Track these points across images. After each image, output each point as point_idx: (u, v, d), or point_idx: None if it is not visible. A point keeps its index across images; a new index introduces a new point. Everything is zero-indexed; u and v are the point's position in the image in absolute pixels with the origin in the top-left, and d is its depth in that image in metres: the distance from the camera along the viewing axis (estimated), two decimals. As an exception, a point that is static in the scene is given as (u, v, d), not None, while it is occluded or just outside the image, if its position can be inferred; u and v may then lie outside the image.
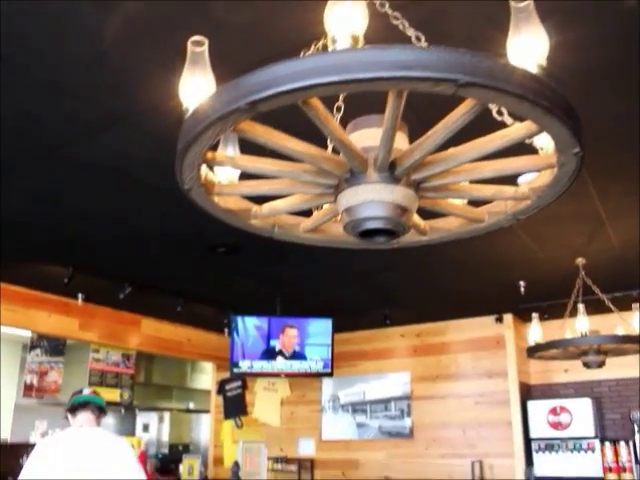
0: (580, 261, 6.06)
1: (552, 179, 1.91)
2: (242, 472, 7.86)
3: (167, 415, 12.87)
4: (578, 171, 1.81)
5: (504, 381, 8.51)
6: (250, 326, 7.36)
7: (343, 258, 6.13)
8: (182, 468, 9.23)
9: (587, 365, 5.85)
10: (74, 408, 3.71)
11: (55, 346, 9.75)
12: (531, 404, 8.38)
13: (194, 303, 7.85)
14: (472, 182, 2.18)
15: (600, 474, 7.78)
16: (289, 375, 7.62)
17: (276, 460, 9.78)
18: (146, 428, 13.00)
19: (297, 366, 7.45)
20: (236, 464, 7.83)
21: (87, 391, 3.91)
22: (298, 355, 7.43)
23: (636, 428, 7.86)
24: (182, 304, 7.61)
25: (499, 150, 1.81)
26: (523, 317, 8.73)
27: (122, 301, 7.62)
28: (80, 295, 7.57)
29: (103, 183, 4.50)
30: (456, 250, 5.59)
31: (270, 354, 7.35)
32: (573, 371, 8.66)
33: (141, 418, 13.12)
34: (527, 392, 8.78)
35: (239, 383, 10.63)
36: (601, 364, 5.85)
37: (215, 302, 7.90)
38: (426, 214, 2.34)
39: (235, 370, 7.33)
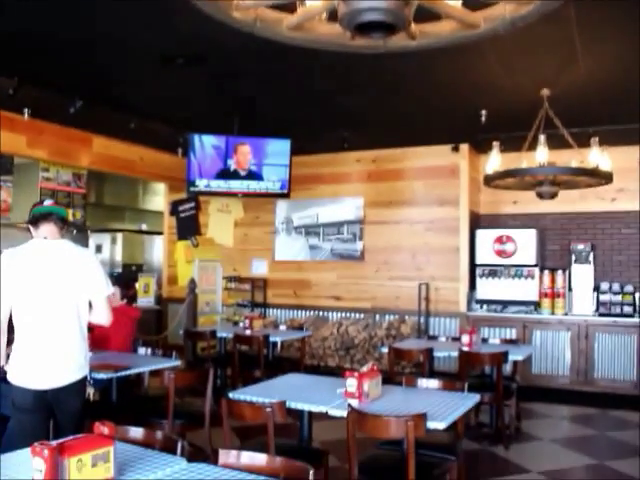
0: (545, 92, 5.97)
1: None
2: (198, 289, 8.06)
3: (120, 236, 12.90)
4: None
5: (455, 209, 8.73)
6: (207, 145, 7.20)
7: (304, 77, 5.92)
8: (137, 285, 9.39)
9: (540, 195, 5.99)
10: (36, 219, 3.52)
11: (2, 164, 9.41)
12: (479, 232, 8.67)
13: (148, 120, 7.57)
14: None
15: (536, 298, 8.29)
16: (246, 195, 7.60)
17: (230, 279, 10.07)
18: (99, 249, 13.06)
19: (254, 186, 7.42)
20: (192, 281, 8.01)
21: (49, 202, 3.73)
22: (255, 175, 7.37)
23: (573, 258, 8.28)
24: (136, 121, 7.34)
25: None
26: (479, 148, 8.80)
27: (72, 118, 7.27)
28: (26, 110, 7.19)
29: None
30: (421, 71, 5.43)
31: (227, 174, 7.27)
32: (521, 203, 8.95)
33: (94, 239, 13.13)
34: (476, 221, 9.06)
35: (192, 204, 10.64)
36: (554, 195, 6.00)
37: (171, 120, 7.62)
38: (418, 19, 2.19)
39: (192, 189, 7.26)
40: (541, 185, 5.81)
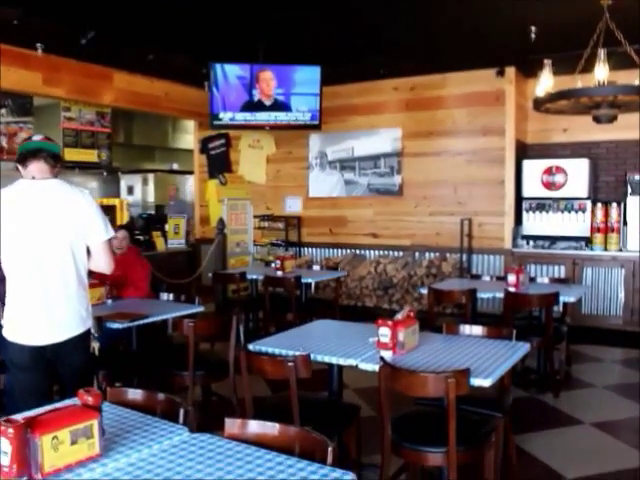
0: (606, 1, 5.27)
1: None
2: (227, 229, 7.71)
3: (151, 177, 12.61)
4: None
5: (500, 139, 8.10)
6: (231, 75, 6.71)
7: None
8: (167, 227, 9.11)
9: (598, 120, 5.38)
10: (24, 157, 3.05)
11: (22, 105, 9.08)
12: (526, 163, 8.06)
13: (169, 52, 7.10)
14: None
15: (587, 234, 7.72)
16: (274, 127, 7.12)
17: (263, 218, 9.70)
18: (130, 190, 12.82)
19: (282, 117, 6.93)
20: (221, 221, 7.64)
21: (38, 137, 3.27)
22: (283, 105, 6.87)
23: (629, 190, 7.64)
24: (155, 53, 6.87)
25: None
26: (527, 72, 8.10)
27: (88, 52, 6.86)
28: (39, 45, 6.79)
29: None
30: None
31: (253, 105, 6.79)
32: (572, 131, 8.29)
33: (125, 180, 12.89)
34: (523, 151, 8.43)
35: (222, 141, 10.25)
36: (613, 119, 5.38)
37: (192, 50, 7.12)
38: None
39: (215, 122, 6.82)
40: (598, 108, 5.20)
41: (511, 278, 5.39)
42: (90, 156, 9.71)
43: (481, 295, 5.35)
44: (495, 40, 6.82)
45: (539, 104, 5.44)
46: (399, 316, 3.32)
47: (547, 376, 5.26)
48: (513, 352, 3.32)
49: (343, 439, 3.31)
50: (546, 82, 5.20)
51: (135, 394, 2.49)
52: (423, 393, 2.86)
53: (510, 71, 8.00)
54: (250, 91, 6.75)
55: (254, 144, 9.96)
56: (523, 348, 3.42)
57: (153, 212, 11.60)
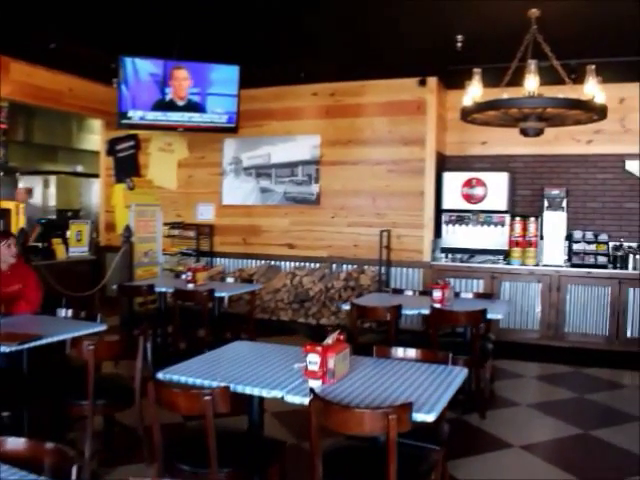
0: (534, 12, 5.18)
1: None
2: (135, 237, 7.16)
3: (53, 179, 11.79)
4: None
5: (420, 149, 7.97)
6: (143, 71, 6.21)
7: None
8: (69, 234, 8.40)
9: (525, 132, 5.27)
10: None
11: None
12: (447, 175, 7.95)
13: (74, 42, 6.51)
14: None
15: (505, 247, 7.68)
16: (188, 129, 6.67)
17: (173, 226, 9.19)
18: (29, 193, 11.93)
19: (197, 119, 6.49)
20: (127, 228, 7.08)
21: None
22: (198, 106, 6.43)
23: (546, 204, 7.66)
24: (58, 42, 6.28)
25: None
26: (449, 82, 8.02)
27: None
28: None
29: None
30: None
31: (165, 105, 6.32)
32: (490, 144, 8.28)
33: (23, 182, 11.98)
34: (442, 162, 8.34)
35: (132, 143, 9.68)
36: (539, 132, 5.29)
37: (100, 42, 6.54)
38: None
39: (124, 121, 6.29)
40: (526, 120, 5.08)
41: (436, 294, 5.17)
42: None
43: (406, 312, 5.10)
44: (418, 49, 6.66)
45: (466, 114, 5.27)
46: (329, 340, 2.98)
47: (473, 396, 5.06)
48: (452, 378, 3.05)
49: (267, 478, 2.93)
50: (475, 91, 5.04)
51: (16, 444, 2.03)
52: (360, 431, 2.52)
53: (432, 81, 7.89)
54: (163, 89, 6.28)
55: (165, 147, 9.44)
56: (461, 374, 3.16)
57: (48, 217, 10.80)
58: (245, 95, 8.26)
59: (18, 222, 7.56)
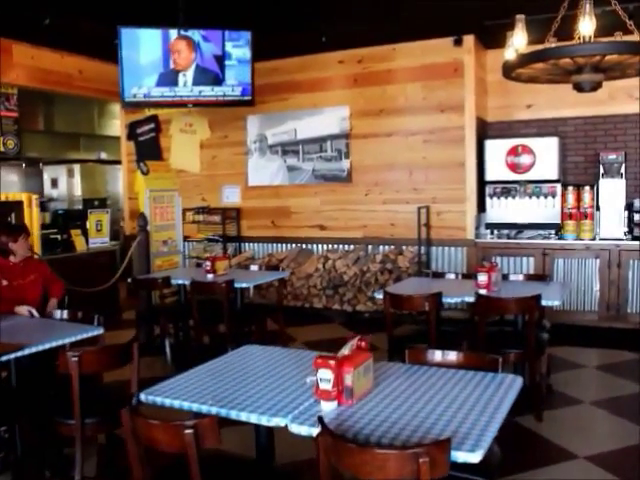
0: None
1: None
2: (151, 226, 6.64)
3: (77, 168, 11.43)
4: None
5: (459, 116, 7.24)
6: (145, 42, 5.64)
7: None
8: (88, 225, 7.97)
9: (580, 87, 4.51)
10: None
11: None
12: (489, 143, 7.21)
13: (70, 14, 5.96)
14: None
15: (558, 220, 6.92)
16: (198, 104, 6.08)
17: (197, 211, 8.67)
18: (55, 183, 11.62)
19: (208, 93, 5.89)
20: (142, 217, 6.56)
21: None
22: (208, 79, 5.82)
23: (602, 171, 6.86)
24: (52, 17, 5.75)
25: None
26: (487, 41, 7.25)
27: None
28: None
29: None
30: None
31: (172, 78, 5.74)
32: (537, 107, 7.50)
33: (48, 173, 11.67)
34: (484, 130, 7.59)
35: (152, 125, 9.19)
36: (597, 86, 4.52)
37: (98, 13, 5.96)
38: None
39: (127, 100, 5.75)
40: (581, 72, 4.33)
41: (482, 278, 4.52)
42: (-5, 144, 8.46)
43: (447, 300, 4.44)
44: (452, 4, 5.92)
45: (509, 69, 4.54)
46: (345, 350, 2.37)
47: (527, 394, 4.39)
48: (503, 393, 2.42)
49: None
50: (518, 41, 4.30)
51: None
52: (383, 477, 1.91)
53: (469, 40, 7.13)
54: (168, 61, 5.70)
55: (186, 128, 8.91)
56: (515, 384, 2.53)
57: (72, 207, 10.46)
58: (266, 67, 7.70)
59: (32, 215, 7.11)
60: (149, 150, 9.12)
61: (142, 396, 2.52)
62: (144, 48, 5.61)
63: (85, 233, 8.06)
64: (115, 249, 8.23)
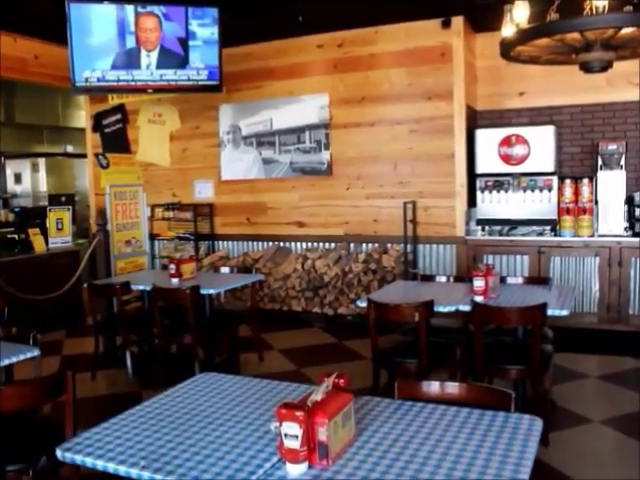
0: None
1: None
2: (112, 225, 6.03)
3: (42, 162, 10.76)
4: None
5: (447, 104, 6.71)
6: (97, 19, 5.02)
7: None
8: (48, 223, 7.36)
9: (587, 67, 4.00)
10: None
11: None
12: (480, 133, 6.68)
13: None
14: None
15: (554, 216, 6.42)
16: (160, 90, 5.49)
17: (167, 207, 8.08)
18: (18, 178, 10.95)
19: (170, 76, 5.30)
20: (102, 214, 5.97)
21: None
22: (170, 61, 5.23)
23: (600, 162, 6.37)
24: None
25: None
26: (478, 23, 6.75)
27: None
28: None
29: None
30: None
31: (130, 60, 5.14)
32: (530, 95, 7.02)
33: (11, 167, 11.00)
34: (474, 119, 7.08)
35: (118, 116, 8.60)
36: (607, 66, 4.01)
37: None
38: None
39: (78, 84, 5.15)
40: (589, 49, 3.81)
41: (478, 283, 4.00)
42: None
43: (439, 309, 3.91)
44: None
45: (507, 46, 4.00)
46: (317, 395, 1.82)
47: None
48: (523, 444, 1.89)
49: None
50: (520, 14, 3.76)
51: None
52: None
53: (457, 21, 6.60)
54: (124, 41, 5.10)
55: (155, 119, 8.31)
56: (535, 429, 2.01)
57: (36, 204, 9.83)
58: (239, 53, 7.19)
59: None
60: (115, 142, 8.52)
61: (58, 453, 1.96)
62: (97, 26, 5.01)
63: (45, 232, 7.46)
64: (78, 249, 7.63)
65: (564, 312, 3.71)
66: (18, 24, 6.58)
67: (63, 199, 10.46)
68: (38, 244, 7.32)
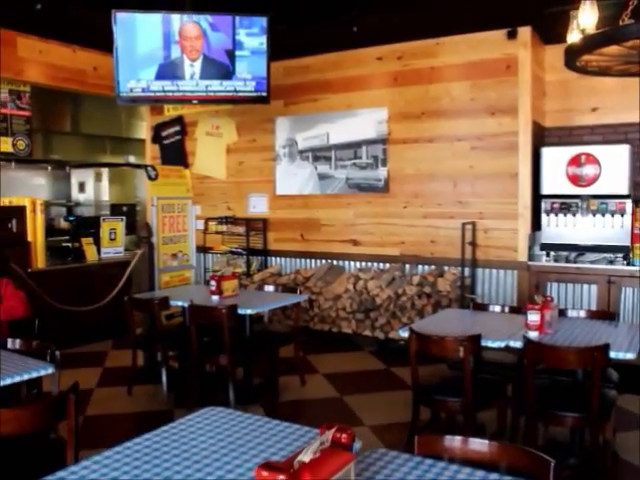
0: None
1: None
2: (158, 237, 5.92)
3: (105, 172, 10.89)
4: None
5: (512, 120, 6.33)
6: (143, 29, 4.92)
7: None
8: (101, 233, 7.36)
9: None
10: None
11: None
12: (547, 151, 6.26)
13: (84, 9, 5.32)
14: None
15: (627, 242, 5.92)
16: (205, 100, 5.34)
17: (221, 221, 7.96)
18: (82, 187, 11.10)
19: (216, 88, 5.13)
20: (146, 227, 5.86)
21: None
22: (216, 72, 5.06)
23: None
24: (46, 5, 5.11)
25: None
26: (546, 34, 6.34)
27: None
28: None
29: None
30: None
31: (174, 71, 5.01)
32: (603, 110, 6.54)
33: (76, 176, 11.17)
34: (541, 136, 6.65)
35: (177, 128, 8.59)
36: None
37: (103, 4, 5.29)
38: None
39: (122, 94, 5.05)
40: (667, 59, 3.41)
41: (533, 317, 3.61)
42: (4, 145, 7.91)
43: (488, 343, 3.55)
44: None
45: (573, 54, 3.62)
46: (306, 456, 1.53)
47: (589, 466, 3.47)
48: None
49: None
50: (586, 19, 3.39)
51: None
52: None
53: (524, 32, 6.22)
54: (169, 51, 4.98)
55: (212, 131, 8.24)
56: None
57: (98, 213, 9.89)
58: (295, 65, 7.05)
59: (35, 222, 6.51)
60: (173, 154, 8.51)
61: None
62: (142, 35, 4.90)
63: (97, 242, 7.46)
64: (130, 260, 7.58)
65: (629, 355, 3.28)
66: (78, 36, 6.63)
67: (125, 209, 10.52)
68: (90, 253, 7.32)
